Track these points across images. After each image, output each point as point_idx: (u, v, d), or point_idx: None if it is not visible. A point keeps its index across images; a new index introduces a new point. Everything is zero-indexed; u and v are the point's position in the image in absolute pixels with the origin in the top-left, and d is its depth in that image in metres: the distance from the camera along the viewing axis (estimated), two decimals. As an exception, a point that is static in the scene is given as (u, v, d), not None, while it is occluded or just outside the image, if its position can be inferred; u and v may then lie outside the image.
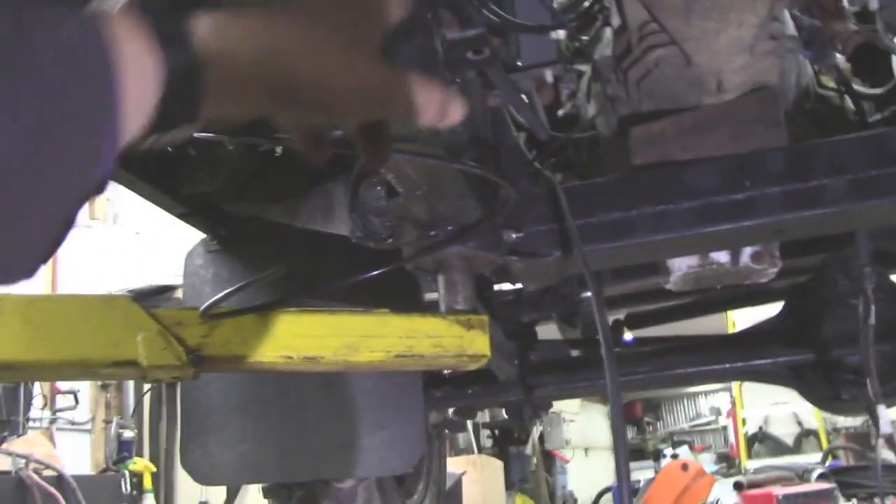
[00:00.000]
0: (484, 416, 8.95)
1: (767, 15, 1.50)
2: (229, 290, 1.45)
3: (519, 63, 1.71)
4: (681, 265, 1.96)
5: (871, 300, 1.92)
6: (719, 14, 1.45)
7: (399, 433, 2.11)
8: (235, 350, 1.43)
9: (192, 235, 2.25)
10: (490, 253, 1.65)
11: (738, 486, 5.18)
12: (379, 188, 1.60)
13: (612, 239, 1.62)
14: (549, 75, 1.89)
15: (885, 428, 1.88)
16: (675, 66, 1.59)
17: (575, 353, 2.82)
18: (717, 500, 5.23)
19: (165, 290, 5.53)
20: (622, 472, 1.20)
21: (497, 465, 8.67)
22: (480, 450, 9.22)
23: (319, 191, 1.88)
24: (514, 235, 1.65)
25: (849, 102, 2.19)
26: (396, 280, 1.93)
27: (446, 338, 1.58)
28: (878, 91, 2.36)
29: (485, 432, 9.64)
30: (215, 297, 1.39)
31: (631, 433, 16.84)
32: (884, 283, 2.14)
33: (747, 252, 1.93)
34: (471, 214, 1.56)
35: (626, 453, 1.22)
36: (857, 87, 2.15)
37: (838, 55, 2.04)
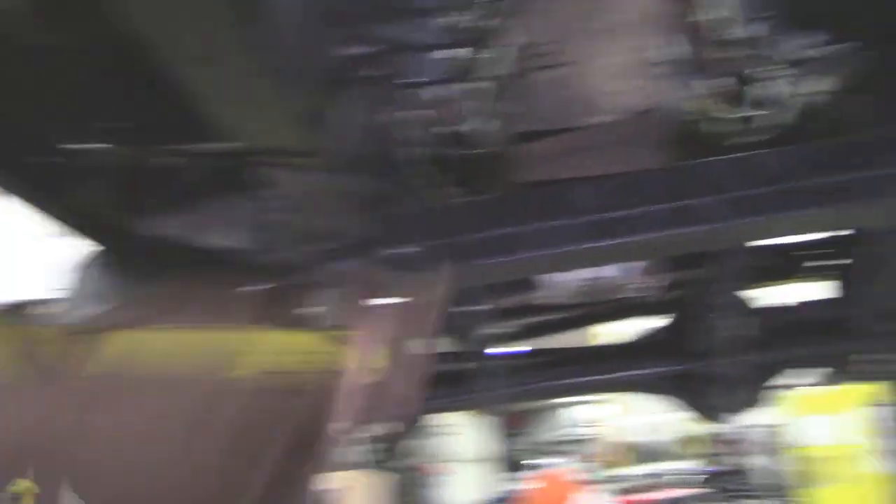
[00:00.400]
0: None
1: (653, 41, 1.55)
2: (106, 305, 1.40)
3: (412, 79, 1.71)
4: (568, 279, 2.00)
5: (739, 314, 2.01)
6: (609, 39, 1.50)
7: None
8: (95, 367, 1.38)
9: (70, 249, 2.14)
10: (377, 268, 1.64)
11: (619, 494, 5.32)
12: (273, 203, 1.58)
13: (501, 254, 1.64)
14: (440, 92, 1.90)
15: (754, 434, 1.96)
16: (565, 87, 1.63)
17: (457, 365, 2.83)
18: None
19: (30, 305, 5.26)
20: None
21: (382, 479, 8.62)
22: (367, 465, 9.14)
23: (214, 205, 1.83)
24: (402, 251, 1.65)
25: (724, 125, 2.29)
26: (276, 295, 1.90)
27: (320, 353, 1.57)
28: (749, 114, 2.48)
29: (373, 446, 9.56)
30: (87, 313, 1.34)
31: (508, 444, 17.04)
32: (748, 299, 2.25)
33: (635, 267, 1.99)
34: (360, 230, 1.56)
35: (500, 465, 1.23)
36: (729, 112, 2.25)
37: (714, 80, 2.13)
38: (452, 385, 2.55)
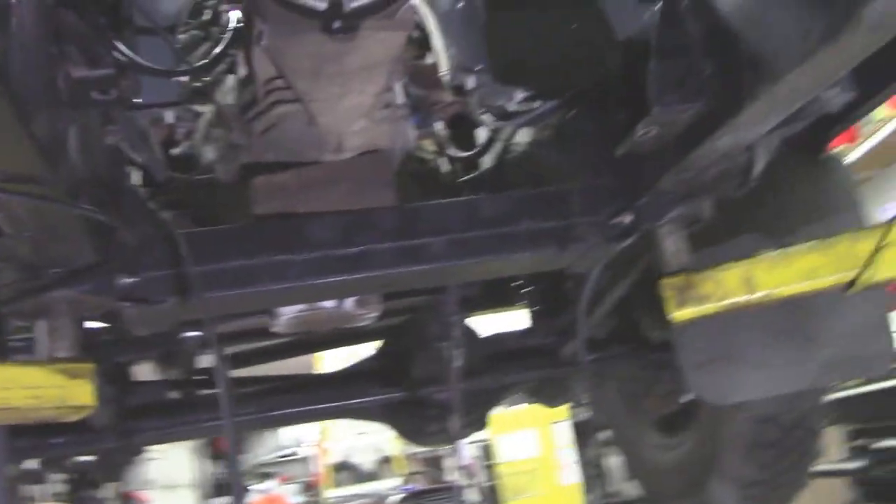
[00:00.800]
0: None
1: (385, 85, 1.63)
2: None
3: (138, 100, 1.65)
4: (288, 310, 2.02)
5: (458, 344, 2.14)
6: (344, 80, 1.55)
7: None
8: None
9: None
10: (100, 298, 1.58)
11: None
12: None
13: (234, 286, 1.64)
14: (169, 116, 1.85)
15: (464, 459, 2.09)
16: (300, 123, 1.65)
17: (175, 394, 2.74)
18: (305, 532, 5.37)
19: None
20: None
21: (74, 511, 7.99)
22: (53, 496, 8.43)
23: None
24: (127, 280, 1.59)
25: (444, 164, 2.43)
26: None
27: (46, 388, 1.48)
28: (466, 154, 2.66)
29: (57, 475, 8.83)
30: None
31: (215, 467, 16.52)
32: (467, 329, 2.40)
33: (351, 298, 2.05)
34: (84, 258, 1.49)
35: (209, 490, 1.24)
36: (451, 151, 2.40)
37: (437, 125, 2.26)
38: (175, 414, 2.47)
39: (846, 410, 5.25)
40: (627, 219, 1.78)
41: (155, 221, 1.69)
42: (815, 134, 2.24)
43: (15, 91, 0.98)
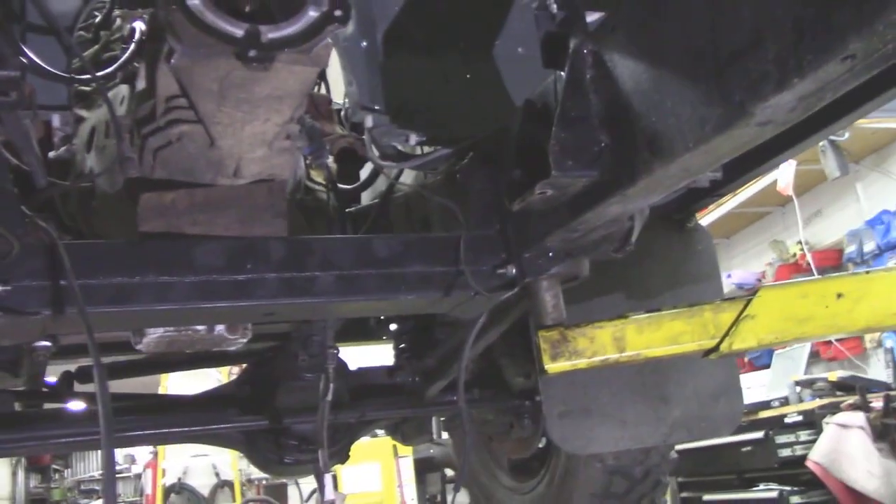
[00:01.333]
0: None
1: (290, 116, 1.63)
2: None
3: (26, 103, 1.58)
4: (156, 329, 1.96)
5: (331, 378, 2.14)
6: (250, 107, 1.54)
7: None
8: None
9: None
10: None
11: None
12: None
13: (112, 304, 1.59)
14: (55, 119, 1.78)
15: (328, 495, 2.09)
16: (199, 144, 1.62)
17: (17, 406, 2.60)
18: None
19: None
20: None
21: None
22: None
23: None
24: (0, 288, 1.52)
25: (328, 196, 2.44)
26: None
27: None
28: (350, 188, 2.67)
29: None
30: None
31: (35, 481, 15.62)
32: (339, 361, 2.39)
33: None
34: (-44, 261, 1.41)
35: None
36: (340, 190, 2.41)
37: (327, 159, 2.27)
38: (17, 428, 2.34)
39: (679, 463, 5.54)
40: (511, 271, 1.84)
41: (33, 229, 1.61)
42: (682, 205, 2.40)
43: None
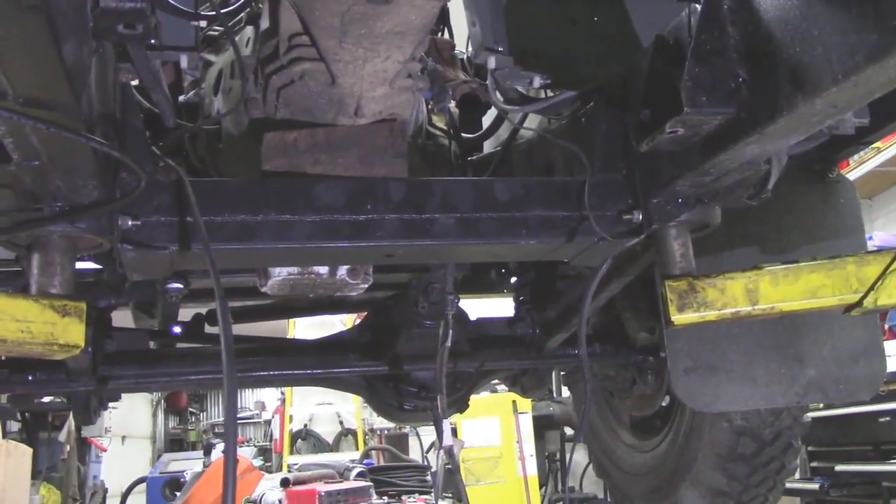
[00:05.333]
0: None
1: (411, 54, 1.59)
2: None
3: (161, 43, 1.61)
4: (280, 271, 1.98)
5: (450, 324, 2.12)
6: (371, 44, 1.51)
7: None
8: None
9: None
10: (100, 237, 1.54)
11: (284, 483, 5.35)
12: (-18, 151, 1.41)
13: (235, 241, 1.60)
14: (183, 61, 1.81)
15: (446, 440, 2.08)
16: (320, 82, 1.62)
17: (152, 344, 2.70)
18: (263, 496, 5.35)
19: None
20: (229, 475, 1.19)
21: (25, 451, 7.93)
22: (5, 434, 8.36)
23: None
24: (130, 223, 1.56)
25: (450, 143, 2.41)
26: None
27: (37, 323, 1.44)
28: (472, 136, 2.64)
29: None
30: None
31: (173, 422, 16.51)
32: (458, 310, 2.38)
33: (344, 266, 2.02)
34: (89, 194, 1.45)
35: (235, 452, 1.21)
36: (459, 133, 2.37)
37: (449, 102, 2.23)
38: (152, 364, 2.43)
39: (809, 431, 5.32)
40: (638, 217, 1.76)
41: (161, 166, 1.65)
42: (824, 154, 2.24)
43: (51, 11, 0.95)
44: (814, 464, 6.28)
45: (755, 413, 2.41)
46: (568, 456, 7.53)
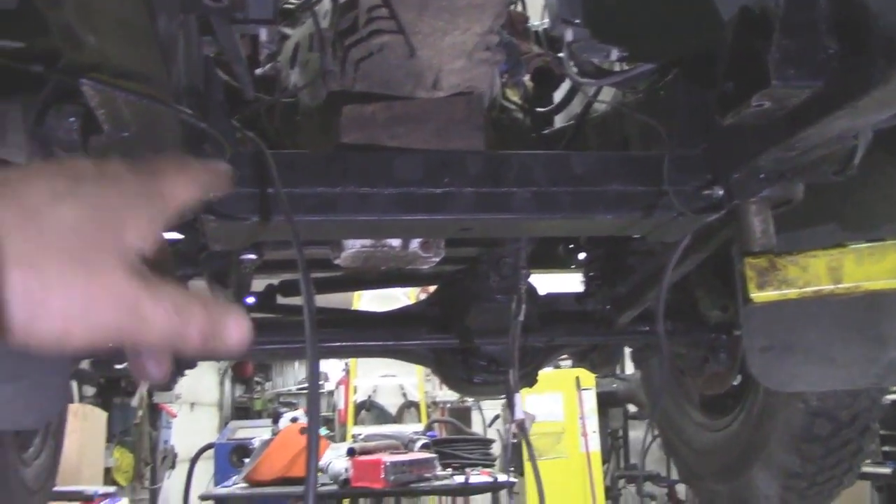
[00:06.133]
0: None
1: (490, 27, 1.59)
2: None
3: (241, 15, 1.62)
4: (354, 243, 2.00)
5: (523, 298, 2.12)
6: (450, 16, 1.51)
7: (37, 385, 1.92)
8: None
9: None
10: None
11: (350, 452, 5.44)
12: (72, 119, 1.44)
13: (314, 213, 1.62)
14: (263, 33, 1.83)
15: (518, 414, 2.09)
16: (399, 55, 1.62)
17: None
18: (329, 464, 5.45)
19: None
20: (313, 442, 1.21)
21: (100, 415, 8.21)
22: (82, 398, 8.66)
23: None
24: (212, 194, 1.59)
25: (523, 116, 2.39)
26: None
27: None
28: (545, 110, 2.61)
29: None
30: None
31: (239, 391, 16.86)
32: (529, 285, 2.37)
33: (417, 239, 2.03)
34: (175, 165, 1.47)
35: (319, 421, 1.23)
36: (534, 106, 2.35)
37: (524, 74, 2.22)
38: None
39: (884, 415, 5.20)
40: (718, 192, 1.73)
41: (240, 139, 1.67)
42: (912, 130, 2.17)
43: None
44: (886, 448, 6.14)
45: (832, 394, 2.36)
46: (644, 435, 7.47)
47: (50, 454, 2.78)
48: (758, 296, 1.68)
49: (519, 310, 2.11)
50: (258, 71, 2.31)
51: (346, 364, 10.45)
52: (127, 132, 1.31)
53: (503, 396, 2.72)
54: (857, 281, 1.66)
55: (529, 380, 2.63)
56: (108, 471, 8.33)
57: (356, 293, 7.80)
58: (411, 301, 3.18)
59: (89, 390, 9.31)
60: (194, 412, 13.12)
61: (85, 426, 7.46)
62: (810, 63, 1.38)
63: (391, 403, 10.05)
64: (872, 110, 1.37)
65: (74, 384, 8.48)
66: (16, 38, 1.44)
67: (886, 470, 5.79)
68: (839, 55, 1.36)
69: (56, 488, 3.24)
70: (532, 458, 2.34)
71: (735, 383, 2.71)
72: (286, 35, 2.25)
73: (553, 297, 2.63)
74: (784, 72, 1.38)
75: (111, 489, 6.59)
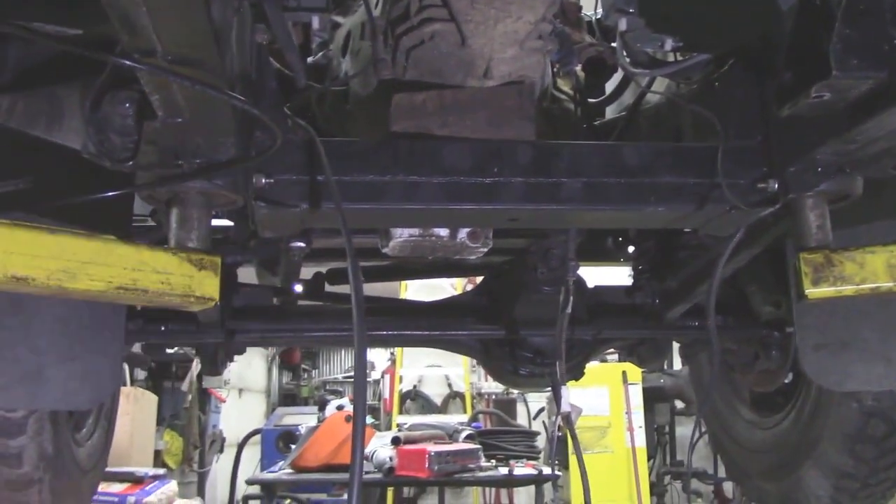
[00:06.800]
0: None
1: (542, 15, 1.57)
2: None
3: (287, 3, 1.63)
4: (402, 232, 2.00)
5: (571, 291, 2.10)
6: (502, 4, 1.50)
7: (91, 366, 1.95)
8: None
9: None
10: (235, 194, 1.58)
11: (395, 441, 5.47)
12: (127, 105, 1.47)
13: (363, 201, 1.63)
14: (315, 22, 1.83)
15: (564, 406, 2.08)
16: (450, 43, 1.61)
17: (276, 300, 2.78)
18: (374, 453, 5.48)
19: None
20: (358, 430, 1.21)
21: (151, 399, 8.35)
22: (133, 381, 8.82)
23: (46, 92, 1.67)
24: (263, 180, 1.60)
25: (581, 108, 2.37)
26: (112, 206, 1.78)
27: (176, 275, 1.49)
28: (597, 101, 2.59)
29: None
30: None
31: (286, 378, 17.05)
32: (578, 277, 2.35)
33: (465, 229, 2.02)
34: (226, 151, 1.49)
35: (365, 409, 1.24)
36: (586, 98, 2.32)
37: (576, 65, 2.19)
38: (277, 320, 2.51)
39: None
40: (773, 185, 1.69)
41: (291, 126, 1.68)
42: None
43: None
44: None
45: (888, 394, 2.31)
46: (692, 431, 7.39)
47: (102, 435, 2.84)
48: (813, 292, 1.64)
49: (567, 302, 2.09)
50: (310, 59, 2.32)
51: (392, 353, 10.50)
52: (181, 118, 1.32)
53: (549, 389, 2.70)
54: (917, 278, 1.61)
55: (576, 373, 2.61)
56: (157, 453, 8.47)
57: (402, 283, 7.83)
58: (458, 292, 3.18)
59: (141, 374, 9.47)
60: (243, 398, 13.28)
61: (136, 409, 7.59)
62: (873, 53, 1.34)
63: (436, 394, 10.07)
64: (937, 102, 1.33)
65: (126, 368, 8.64)
66: (73, 24, 1.46)
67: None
68: (904, 45, 1.33)
69: (108, 469, 3.31)
70: (577, 452, 2.32)
71: (786, 381, 2.66)
72: (338, 23, 2.26)
73: (601, 290, 2.60)
74: (846, 62, 1.35)
75: (161, 471, 6.70)
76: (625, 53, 1.87)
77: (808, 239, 1.70)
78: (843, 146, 1.55)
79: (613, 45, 1.87)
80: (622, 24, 1.81)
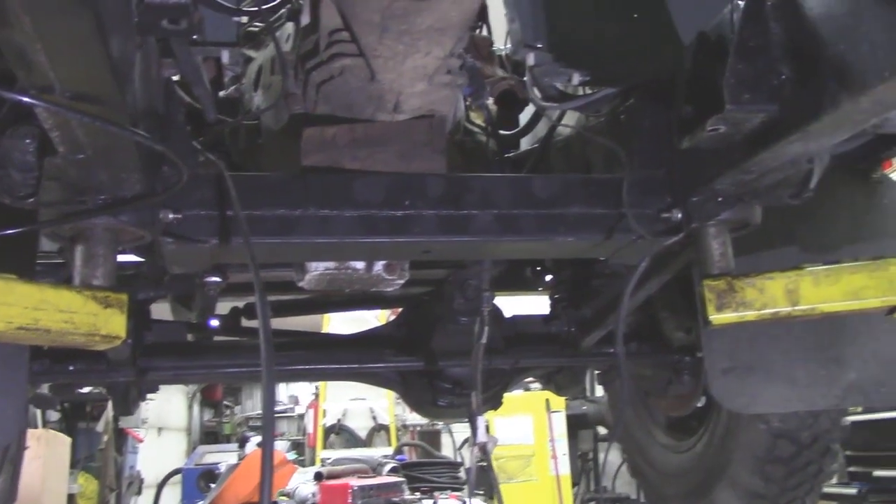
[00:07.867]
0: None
1: (451, 51, 1.60)
2: None
3: (203, 39, 1.62)
4: (317, 266, 1.99)
5: (486, 321, 2.12)
6: (411, 40, 1.52)
7: (-7, 408, 1.88)
8: None
9: None
10: (142, 230, 1.56)
11: (318, 477, 5.39)
12: (28, 141, 1.43)
13: (274, 235, 1.62)
14: (224, 56, 1.83)
15: (481, 437, 2.08)
16: (360, 78, 1.62)
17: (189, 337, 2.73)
18: (296, 489, 5.40)
19: None
20: (266, 466, 1.20)
21: (63, 440, 8.06)
22: (45, 423, 8.50)
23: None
24: (171, 216, 1.58)
25: (487, 139, 2.40)
26: (13, 243, 1.73)
27: (80, 314, 1.46)
28: (510, 133, 2.63)
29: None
30: None
31: (208, 415, 16.68)
32: (494, 307, 2.37)
33: (381, 262, 2.02)
34: (132, 187, 1.47)
35: (272, 445, 1.22)
36: (496, 130, 2.36)
37: (486, 99, 2.23)
38: (191, 356, 2.45)
39: (848, 436, 5.25)
40: (677, 215, 1.75)
41: (202, 161, 1.66)
42: (868, 153, 2.21)
43: (98, 6, 0.96)
44: (852, 468, 6.19)
45: (793, 415, 2.38)
46: (603, 456, 7.49)
47: (7, 480, 2.71)
48: (717, 318, 1.69)
49: (482, 332, 2.11)
50: (222, 93, 2.30)
51: (316, 387, 10.37)
52: (82, 154, 1.30)
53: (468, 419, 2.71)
54: (814, 303, 1.68)
55: (494, 402, 2.62)
56: (71, 497, 8.16)
57: (326, 316, 7.76)
58: (382, 323, 3.17)
59: (54, 415, 9.14)
60: (162, 437, 12.93)
61: (48, 452, 7.31)
62: (764, 87, 1.40)
63: (361, 427, 9.97)
64: (824, 135, 1.39)
65: (38, 410, 8.33)
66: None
67: (852, 491, 5.84)
68: (792, 80, 1.39)
69: (15, 516, 3.17)
70: (494, 482, 2.33)
71: (699, 405, 2.73)
72: (251, 57, 2.25)
73: (518, 320, 2.63)
74: (738, 96, 1.40)
75: (74, 516, 6.46)
76: (535, 87, 1.91)
77: (712, 266, 1.76)
78: (740, 176, 1.60)
79: (524, 79, 1.91)
80: (530, 59, 1.85)
